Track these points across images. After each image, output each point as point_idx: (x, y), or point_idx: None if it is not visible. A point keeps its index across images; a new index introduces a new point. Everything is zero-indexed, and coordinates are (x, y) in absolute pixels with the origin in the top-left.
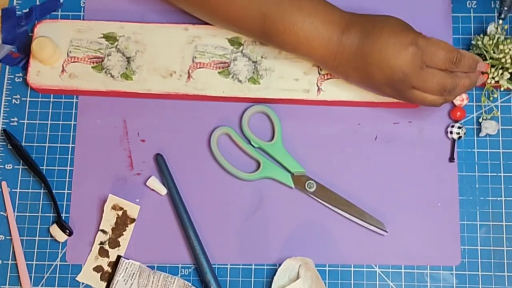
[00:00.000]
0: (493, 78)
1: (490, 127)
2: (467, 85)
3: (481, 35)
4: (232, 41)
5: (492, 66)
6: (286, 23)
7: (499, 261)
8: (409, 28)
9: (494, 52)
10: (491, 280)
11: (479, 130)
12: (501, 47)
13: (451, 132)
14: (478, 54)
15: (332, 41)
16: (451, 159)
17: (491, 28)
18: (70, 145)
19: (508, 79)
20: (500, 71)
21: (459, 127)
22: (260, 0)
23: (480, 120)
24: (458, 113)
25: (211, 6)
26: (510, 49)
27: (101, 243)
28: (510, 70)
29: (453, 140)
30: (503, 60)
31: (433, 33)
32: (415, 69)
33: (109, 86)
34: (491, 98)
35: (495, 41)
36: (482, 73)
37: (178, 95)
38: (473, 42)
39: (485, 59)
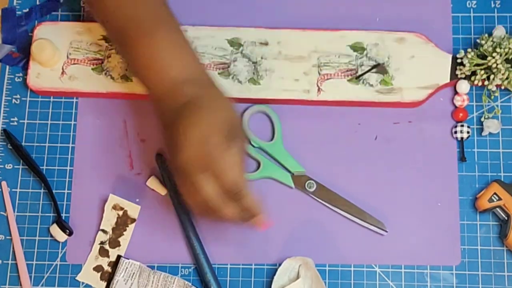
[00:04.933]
0: (481, 80)
1: (492, 126)
2: (229, 219)
3: (487, 36)
4: (231, 42)
5: (488, 69)
6: (136, 47)
7: (499, 261)
8: (232, 131)
9: (491, 55)
10: (491, 280)
11: (479, 129)
12: (494, 54)
13: (461, 131)
14: (481, 54)
15: (168, 83)
16: (463, 158)
17: (497, 33)
18: (70, 145)
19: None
20: (492, 76)
21: (468, 126)
22: (121, 12)
23: (482, 119)
24: (461, 114)
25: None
26: (500, 54)
27: (101, 242)
28: (498, 76)
29: (462, 140)
30: (489, 64)
31: (433, 33)
32: (195, 168)
33: (109, 88)
34: (492, 97)
35: (495, 48)
36: None
37: None
38: (478, 40)
39: (485, 59)
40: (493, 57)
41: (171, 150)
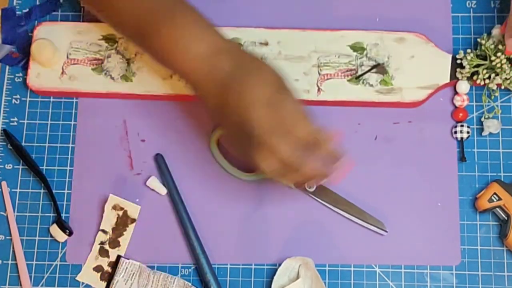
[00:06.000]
0: (483, 79)
1: (492, 126)
2: (312, 173)
3: (486, 36)
4: None
5: (490, 68)
6: (157, 35)
7: (499, 261)
8: (282, 86)
9: (495, 55)
10: (491, 280)
11: (479, 129)
12: (498, 54)
13: (461, 131)
14: (481, 54)
15: (199, 59)
16: (463, 158)
17: (495, 31)
18: (70, 145)
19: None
20: (493, 75)
21: (468, 126)
22: (136, 7)
23: (482, 119)
24: (461, 114)
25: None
26: (502, 51)
27: (101, 243)
28: (502, 76)
29: (462, 140)
30: (494, 63)
31: (433, 33)
32: (266, 130)
33: (109, 88)
34: (492, 97)
35: (497, 46)
36: None
37: (178, 96)
38: (478, 40)
39: (486, 60)
40: (497, 57)
41: (231, 124)
